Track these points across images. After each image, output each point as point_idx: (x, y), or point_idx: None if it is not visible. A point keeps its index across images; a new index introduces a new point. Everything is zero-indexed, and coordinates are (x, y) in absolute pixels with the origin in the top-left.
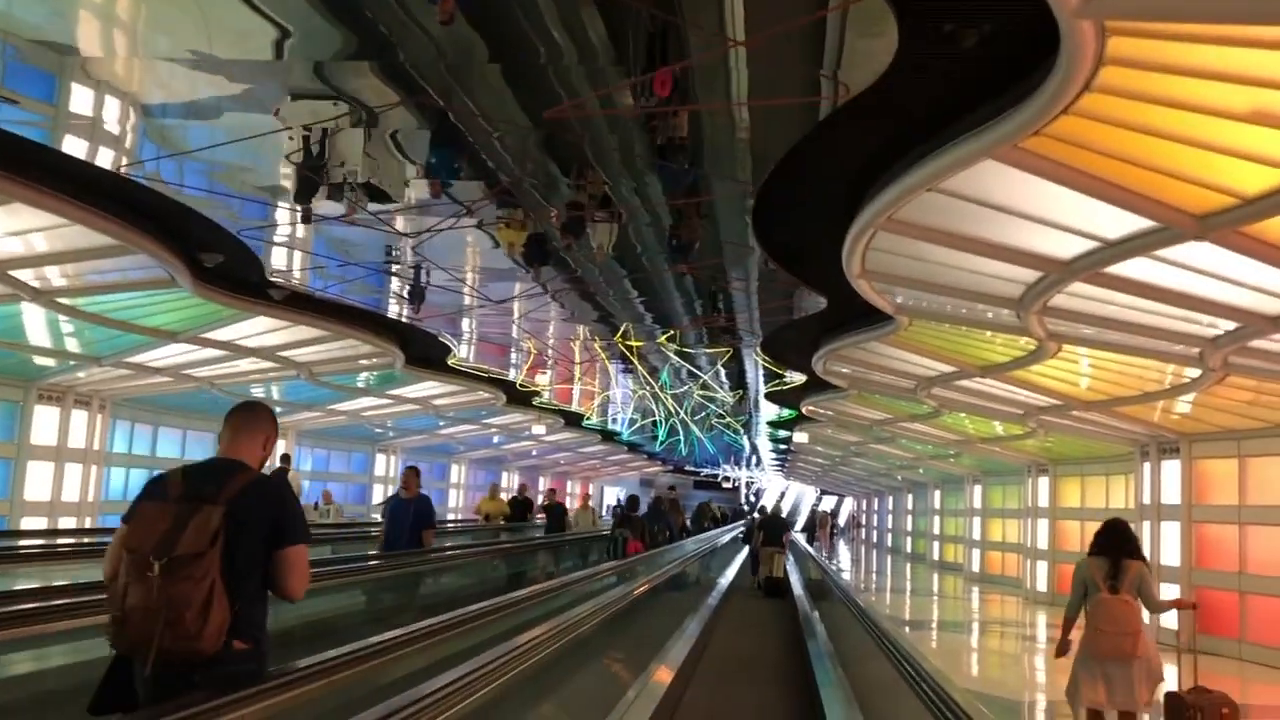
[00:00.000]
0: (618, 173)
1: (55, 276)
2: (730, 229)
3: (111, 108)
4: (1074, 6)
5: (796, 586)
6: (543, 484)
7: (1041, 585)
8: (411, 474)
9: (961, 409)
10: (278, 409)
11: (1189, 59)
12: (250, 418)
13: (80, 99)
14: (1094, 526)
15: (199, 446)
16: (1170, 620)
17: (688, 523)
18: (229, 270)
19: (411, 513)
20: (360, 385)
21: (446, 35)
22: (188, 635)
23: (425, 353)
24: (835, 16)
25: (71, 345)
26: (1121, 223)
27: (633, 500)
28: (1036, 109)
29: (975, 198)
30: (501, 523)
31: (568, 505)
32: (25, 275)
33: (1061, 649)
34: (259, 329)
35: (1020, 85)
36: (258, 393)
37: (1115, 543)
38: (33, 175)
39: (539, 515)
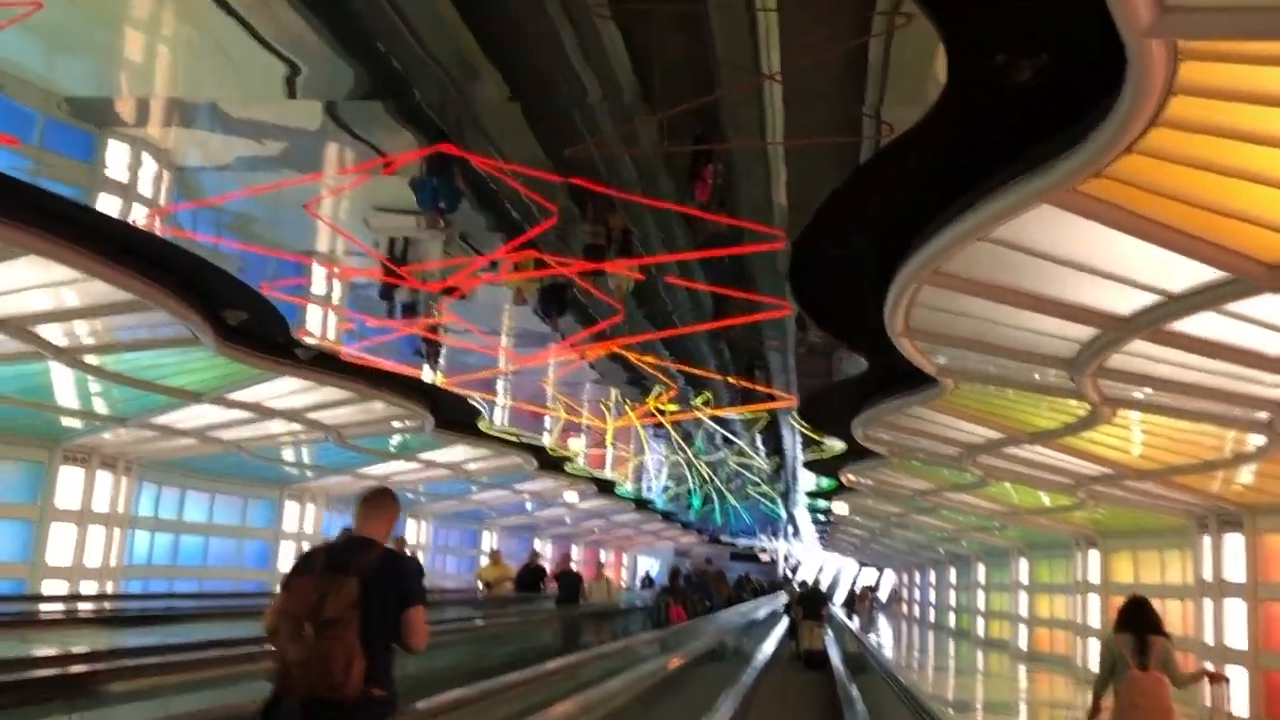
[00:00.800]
0: (642, 216)
1: (76, 334)
2: (766, 284)
3: (148, 166)
4: (1144, 25)
5: (835, 659)
6: (576, 553)
7: (1094, 664)
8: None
9: (1007, 478)
10: (307, 474)
11: (1266, 85)
12: (378, 503)
13: (116, 157)
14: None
15: (227, 511)
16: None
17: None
18: (253, 329)
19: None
20: (390, 449)
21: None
22: (335, 686)
23: (455, 416)
24: (878, 49)
25: (96, 406)
26: (1187, 273)
27: (674, 572)
28: (1097, 147)
29: (1028, 247)
30: (509, 591)
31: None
32: (45, 331)
33: (1096, 715)
34: (285, 390)
35: (1078, 123)
36: (287, 455)
37: (1140, 619)
38: (47, 227)
39: (551, 584)
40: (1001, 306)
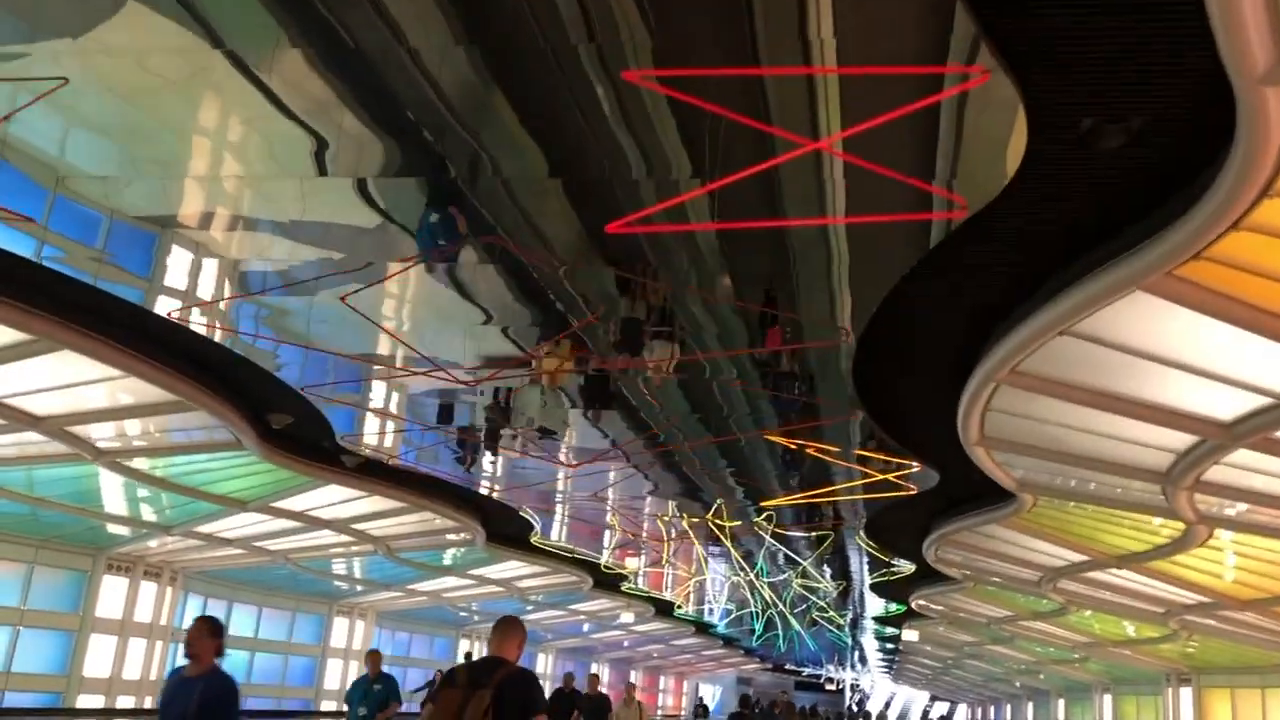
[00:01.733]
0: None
1: (115, 435)
2: (829, 387)
3: (208, 271)
4: (1261, 70)
5: None
6: (635, 678)
7: None
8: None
9: (1091, 605)
10: (357, 588)
11: None
12: (509, 629)
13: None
14: None
15: (274, 625)
16: None
17: None
18: (298, 434)
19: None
20: (441, 564)
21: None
22: None
23: (506, 529)
24: (950, 115)
25: (141, 512)
26: None
27: (745, 699)
28: (1200, 222)
29: (1117, 342)
30: None
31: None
32: (84, 432)
33: None
34: (331, 499)
35: (1175, 197)
36: (338, 569)
37: None
38: (84, 321)
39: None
40: (1086, 411)
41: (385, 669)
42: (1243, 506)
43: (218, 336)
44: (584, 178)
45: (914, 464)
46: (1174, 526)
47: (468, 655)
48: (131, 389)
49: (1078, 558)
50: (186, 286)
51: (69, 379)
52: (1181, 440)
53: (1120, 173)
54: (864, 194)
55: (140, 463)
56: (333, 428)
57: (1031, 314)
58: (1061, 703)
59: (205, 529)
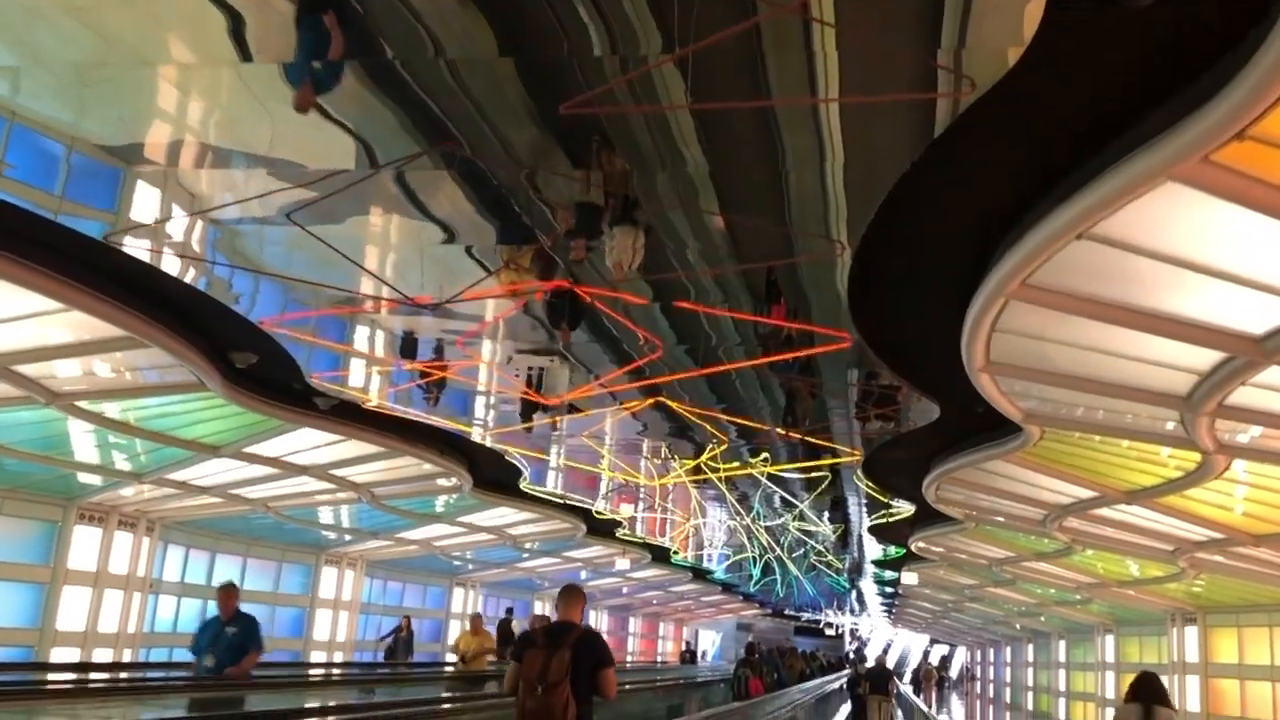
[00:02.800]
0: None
1: (67, 377)
2: (822, 308)
3: (178, 213)
4: None
5: None
6: (634, 625)
7: None
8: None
9: (1097, 545)
10: (345, 537)
11: None
12: (573, 597)
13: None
14: (1256, 686)
15: (260, 575)
16: None
17: (805, 669)
18: (266, 375)
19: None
20: (429, 511)
21: None
22: None
23: (495, 475)
24: None
25: (109, 459)
26: None
27: (751, 646)
28: (1244, 93)
29: (1142, 246)
30: (489, 667)
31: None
32: (32, 373)
33: None
34: (307, 444)
35: (1215, 67)
36: (320, 517)
37: (1148, 692)
38: (31, 253)
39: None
40: (1103, 329)
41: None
42: (1266, 433)
43: (166, 265)
44: (540, 57)
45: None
46: (1189, 458)
47: (541, 618)
48: (75, 324)
49: (1085, 494)
50: (134, 214)
51: (4, 313)
52: (1206, 359)
53: (1152, 44)
54: (861, 71)
55: (99, 406)
56: (300, 367)
57: (1047, 215)
58: (1063, 644)
59: (178, 476)
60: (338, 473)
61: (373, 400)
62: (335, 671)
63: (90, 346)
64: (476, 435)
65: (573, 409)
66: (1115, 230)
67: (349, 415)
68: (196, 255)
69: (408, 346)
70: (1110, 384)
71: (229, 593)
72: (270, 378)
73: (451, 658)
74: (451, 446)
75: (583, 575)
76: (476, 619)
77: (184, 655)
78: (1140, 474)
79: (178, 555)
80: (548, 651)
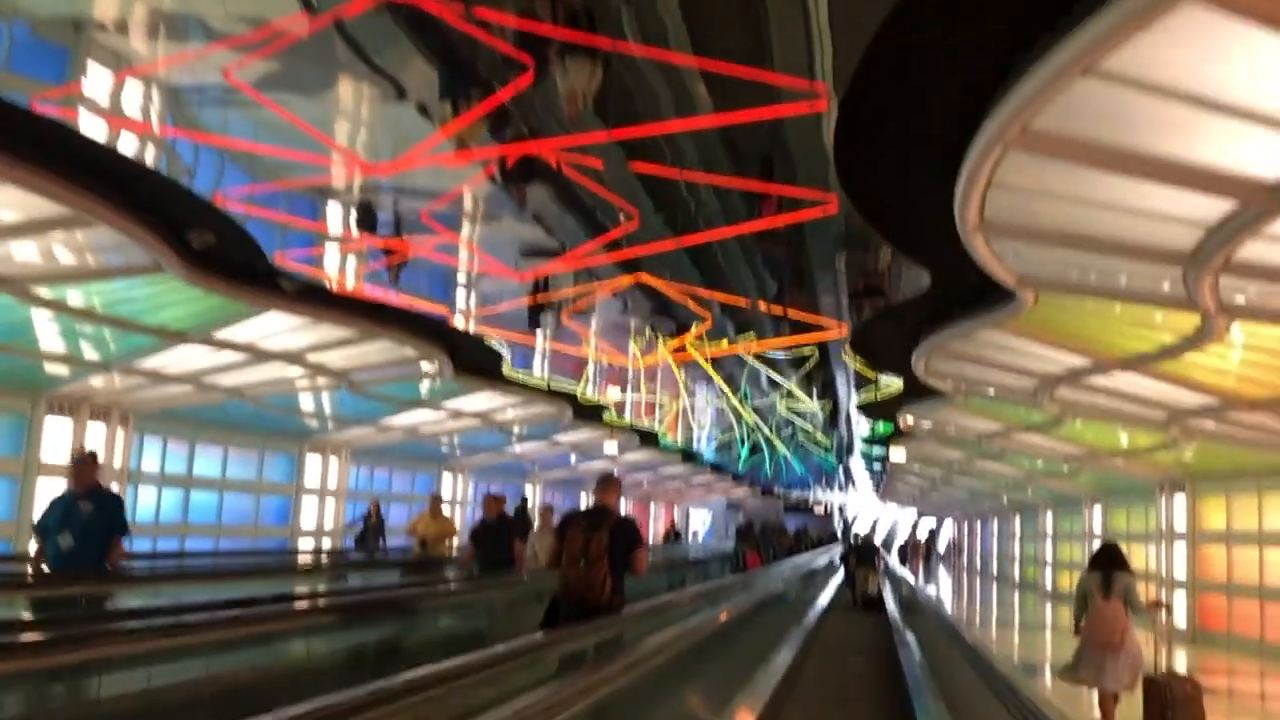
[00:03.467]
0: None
1: (11, 259)
2: (808, 170)
3: (132, 89)
4: None
5: (890, 604)
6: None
7: (1180, 620)
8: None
9: (1088, 415)
10: (328, 425)
11: None
12: (609, 486)
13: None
14: (1244, 551)
15: (242, 465)
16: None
17: (793, 545)
18: (228, 256)
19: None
20: (411, 397)
21: None
22: (597, 596)
23: (476, 360)
24: None
25: (72, 347)
26: None
27: (749, 525)
28: None
29: (1152, 82)
30: (452, 552)
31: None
32: None
33: (1077, 633)
34: (277, 328)
35: None
36: (299, 405)
37: (1107, 560)
38: None
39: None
40: (1106, 180)
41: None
42: (1270, 291)
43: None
44: None
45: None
46: (1188, 322)
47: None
48: (21, 203)
49: (1079, 362)
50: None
51: None
52: (1215, 210)
53: None
54: None
55: (59, 293)
56: (262, 248)
57: (1051, 48)
58: (1050, 515)
59: (147, 365)
60: (312, 358)
61: (334, 280)
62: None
63: (38, 225)
64: (454, 318)
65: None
66: (1125, 65)
67: (318, 298)
68: (149, 129)
69: (365, 219)
70: (1111, 242)
71: (85, 465)
72: (232, 259)
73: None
74: (429, 331)
75: (572, 460)
76: (436, 501)
77: (168, 545)
78: (1136, 340)
79: (155, 446)
80: (588, 532)
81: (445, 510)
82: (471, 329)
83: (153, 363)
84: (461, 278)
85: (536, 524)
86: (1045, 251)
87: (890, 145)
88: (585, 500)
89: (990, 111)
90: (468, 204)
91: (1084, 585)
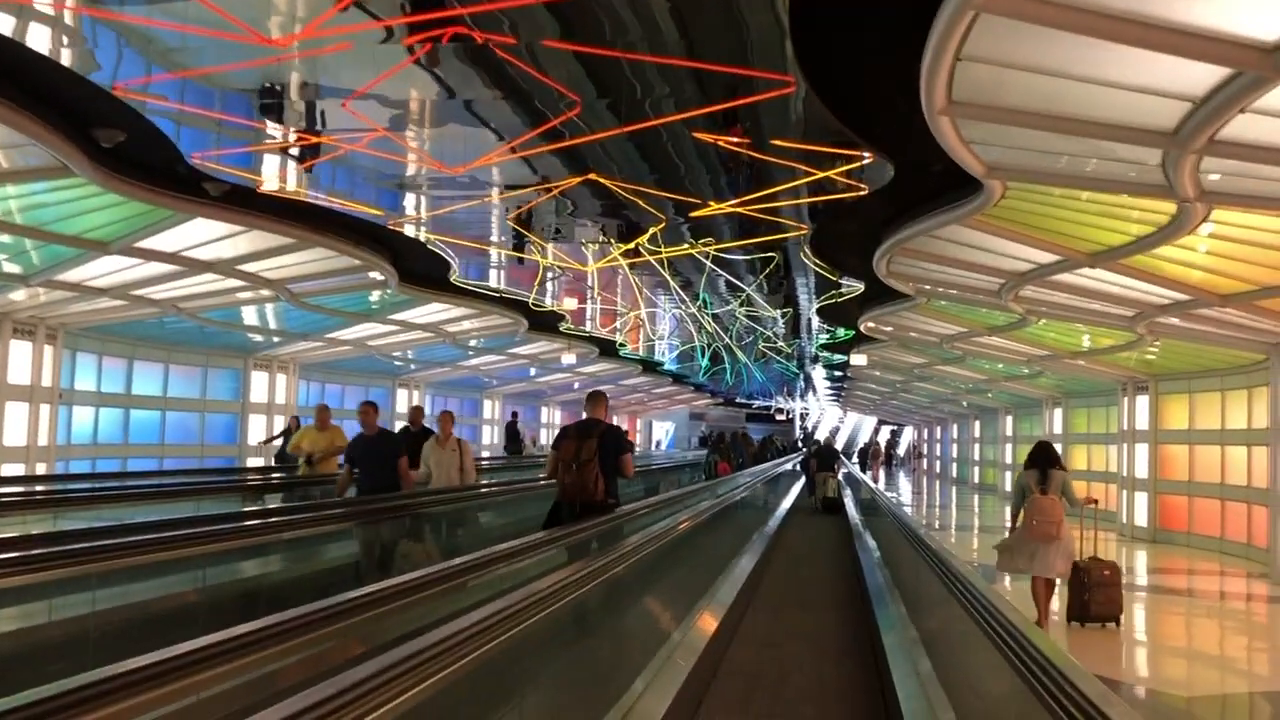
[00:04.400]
0: None
1: None
2: (763, 49)
3: None
4: None
5: (849, 505)
6: (548, 417)
7: (1141, 519)
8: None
9: (1054, 315)
10: (275, 339)
11: None
12: (598, 400)
13: None
14: (1206, 451)
15: (185, 382)
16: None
17: (758, 452)
18: (143, 158)
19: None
20: (357, 309)
21: None
22: (591, 495)
23: (422, 268)
24: None
25: None
26: None
27: (720, 435)
28: None
29: None
30: (342, 469)
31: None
32: None
33: (1014, 526)
34: (205, 236)
35: None
36: (240, 319)
37: (1044, 457)
38: None
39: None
40: (1082, 48)
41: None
42: (1249, 174)
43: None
44: None
45: (864, 156)
46: (1163, 211)
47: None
48: None
49: (1046, 258)
50: None
51: None
52: (1205, 80)
53: None
54: None
55: None
56: (178, 148)
57: None
58: (1010, 418)
59: (69, 277)
60: (246, 268)
61: (265, 183)
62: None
63: None
64: (401, 225)
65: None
66: None
67: (248, 202)
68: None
69: (270, 105)
70: (1088, 121)
71: None
72: (149, 161)
73: None
74: (370, 237)
75: (532, 372)
76: (323, 411)
77: (108, 465)
78: (1107, 232)
79: (90, 363)
80: (579, 440)
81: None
82: (421, 235)
83: (76, 274)
84: (399, 178)
85: (436, 435)
86: (1016, 135)
87: (852, 25)
88: (546, 414)
89: None
90: (392, 93)
91: (1022, 481)
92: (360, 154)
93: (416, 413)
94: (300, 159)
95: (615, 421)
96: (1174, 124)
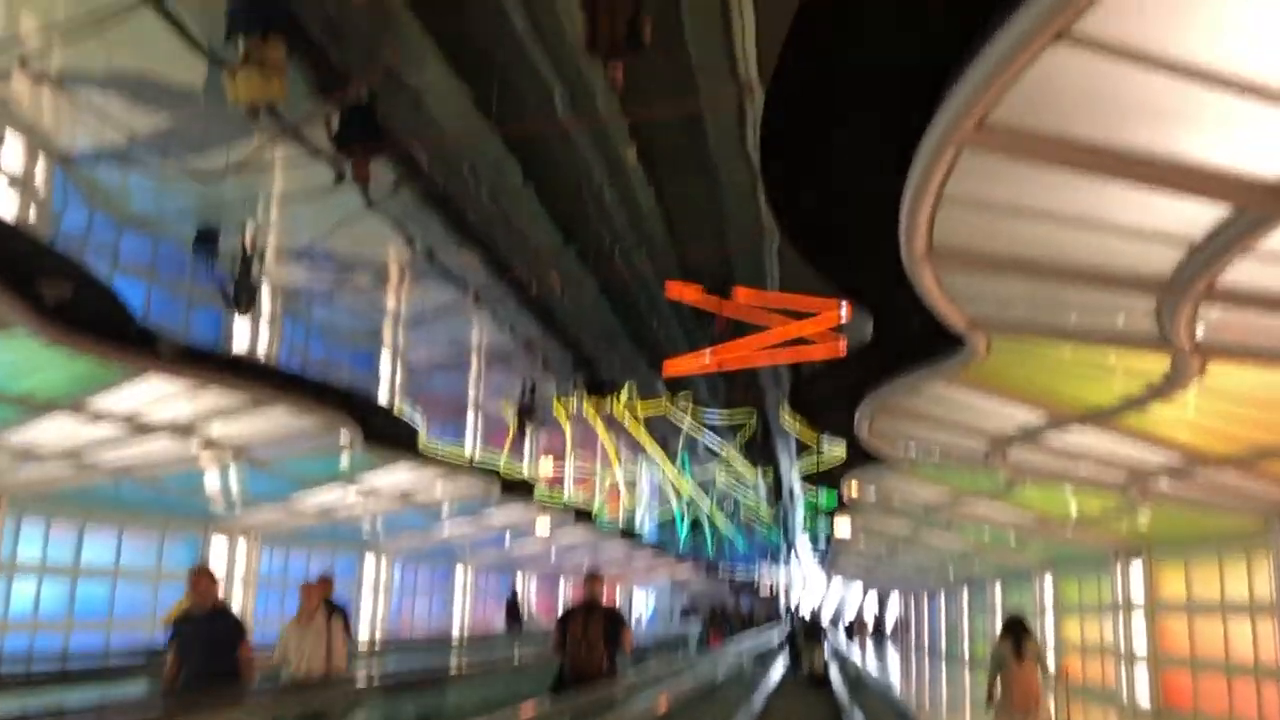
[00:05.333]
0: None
1: None
2: (738, 204)
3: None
4: None
5: (836, 679)
6: (564, 589)
7: (1143, 698)
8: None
9: (1042, 477)
10: (235, 505)
11: None
12: (597, 583)
13: None
14: (1206, 622)
15: (139, 551)
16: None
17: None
18: (91, 313)
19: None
20: (320, 474)
21: None
22: (598, 668)
23: (386, 430)
24: None
25: None
26: None
27: (713, 609)
28: None
29: (1137, 49)
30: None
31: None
32: None
33: (990, 700)
34: (157, 395)
35: None
36: (207, 484)
37: (1017, 629)
38: None
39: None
40: (1074, 186)
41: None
42: (1249, 324)
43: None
44: None
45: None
46: (1157, 365)
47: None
48: None
49: (1033, 418)
50: None
51: None
52: (1203, 221)
53: None
54: None
55: None
56: (127, 305)
57: (1017, 9)
58: (998, 586)
59: (15, 439)
60: (203, 430)
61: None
62: None
63: None
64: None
65: None
66: (1108, 24)
67: (202, 362)
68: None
69: (204, 241)
70: (1076, 268)
71: None
72: (99, 317)
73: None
74: (333, 399)
75: (507, 542)
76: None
77: (49, 644)
78: (1096, 391)
79: (36, 531)
80: (585, 620)
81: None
82: (387, 398)
83: (18, 438)
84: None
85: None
86: (1000, 285)
87: (821, 153)
88: (520, 583)
89: (943, 103)
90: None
91: (998, 653)
92: (323, 309)
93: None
94: (237, 304)
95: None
96: (1170, 270)
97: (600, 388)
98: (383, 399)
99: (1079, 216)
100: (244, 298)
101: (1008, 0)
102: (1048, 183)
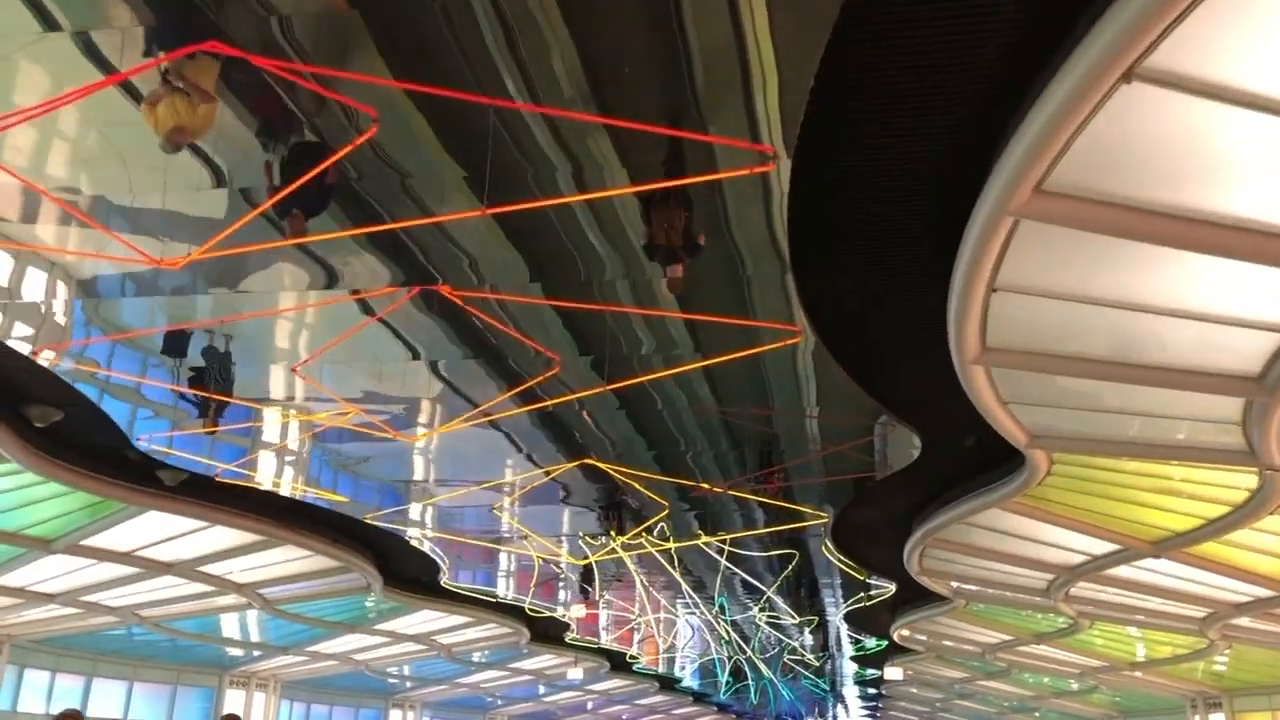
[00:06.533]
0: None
1: None
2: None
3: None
4: None
5: None
6: None
7: None
8: None
9: (1110, 617)
10: (253, 652)
11: None
12: None
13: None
14: None
15: (149, 702)
16: None
17: None
18: (87, 440)
19: None
20: (339, 619)
21: None
22: None
23: (408, 569)
24: None
25: None
26: None
27: None
28: None
29: (1222, 84)
30: None
31: None
32: None
33: None
34: (162, 533)
35: None
36: (221, 630)
37: None
38: None
39: None
40: (1144, 260)
41: None
42: None
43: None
44: None
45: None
46: (1241, 484)
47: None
48: None
49: (1101, 547)
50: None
51: None
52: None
53: None
54: None
55: None
56: (123, 431)
57: (1079, 46)
58: None
59: (10, 582)
60: (209, 569)
61: (219, 469)
62: None
63: None
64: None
65: None
66: (1188, 55)
67: (207, 494)
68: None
69: (173, 344)
70: (1152, 366)
71: None
72: (94, 444)
73: None
74: (347, 534)
75: (541, 690)
76: None
77: None
78: (1171, 515)
79: (40, 680)
80: None
81: None
82: (407, 532)
83: (15, 579)
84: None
85: None
86: (1063, 390)
87: (856, 237)
88: None
89: (995, 168)
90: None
91: None
92: (331, 442)
93: None
94: (204, 413)
95: None
96: (1261, 363)
97: (629, 520)
98: (410, 538)
99: (1152, 302)
100: (210, 406)
101: (1062, 40)
102: (1117, 258)
